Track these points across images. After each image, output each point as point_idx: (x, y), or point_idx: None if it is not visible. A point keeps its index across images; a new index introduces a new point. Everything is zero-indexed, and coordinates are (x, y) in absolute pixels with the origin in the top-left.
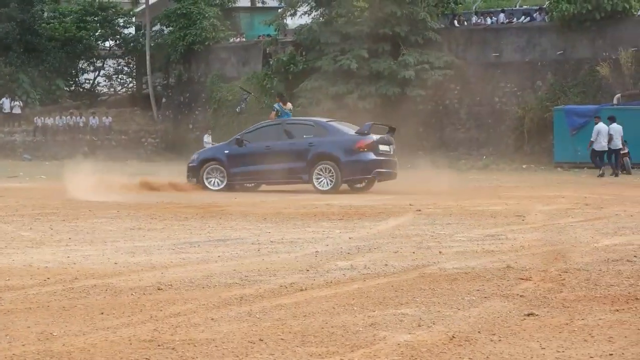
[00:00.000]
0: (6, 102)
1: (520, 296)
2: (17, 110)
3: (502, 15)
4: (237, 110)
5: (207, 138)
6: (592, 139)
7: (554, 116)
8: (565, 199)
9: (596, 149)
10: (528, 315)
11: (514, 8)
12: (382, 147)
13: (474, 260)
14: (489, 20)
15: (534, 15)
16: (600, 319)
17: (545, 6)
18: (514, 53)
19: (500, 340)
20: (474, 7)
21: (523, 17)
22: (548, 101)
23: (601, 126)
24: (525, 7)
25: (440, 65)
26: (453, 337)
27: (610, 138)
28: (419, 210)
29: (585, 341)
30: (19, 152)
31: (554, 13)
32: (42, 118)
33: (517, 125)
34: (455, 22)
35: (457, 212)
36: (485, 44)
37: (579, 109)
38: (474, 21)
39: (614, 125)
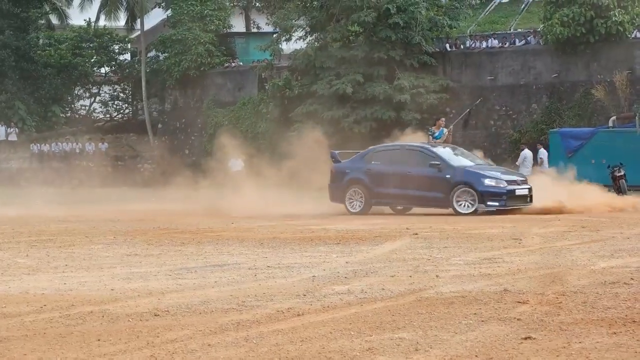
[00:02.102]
0: (1, 129)
1: (518, 319)
2: (13, 137)
3: (495, 41)
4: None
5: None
6: (517, 163)
7: (550, 139)
8: (561, 221)
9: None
10: (525, 338)
11: (508, 32)
12: None
13: (471, 284)
14: (483, 44)
15: (529, 38)
16: (597, 342)
17: (539, 29)
18: (509, 76)
19: None
20: (468, 31)
21: (520, 39)
22: (543, 124)
23: (527, 152)
24: (520, 30)
25: (435, 89)
26: None
27: (541, 162)
28: (416, 234)
29: None
30: (16, 179)
31: (548, 36)
32: (38, 145)
33: (512, 148)
34: (447, 46)
35: (453, 236)
36: (480, 67)
37: (575, 132)
38: (469, 45)
39: (542, 150)
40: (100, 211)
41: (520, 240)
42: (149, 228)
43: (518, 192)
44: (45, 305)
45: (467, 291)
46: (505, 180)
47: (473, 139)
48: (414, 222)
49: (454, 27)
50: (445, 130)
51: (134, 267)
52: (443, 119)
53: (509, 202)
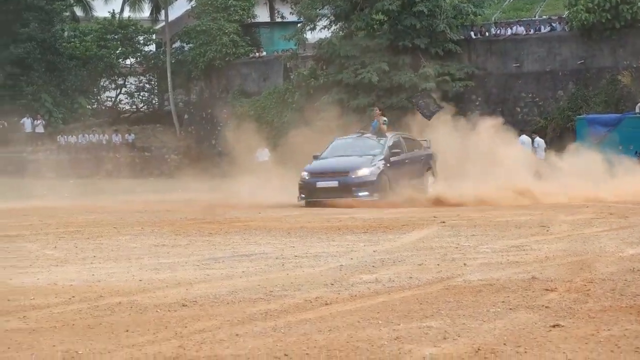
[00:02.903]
0: (27, 122)
1: (546, 307)
2: (40, 130)
3: (520, 28)
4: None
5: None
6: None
7: (577, 125)
8: (589, 208)
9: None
10: (554, 326)
11: (533, 18)
12: None
13: (499, 272)
14: (508, 31)
15: (554, 25)
16: (626, 330)
17: (565, 16)
18: (535, 63)
19: (526, 352)
20: (493, 18)
21: (545, 26)
22: (570, 111)
23: (523, 138)
24: (545, 16)
25: (460, 77)
26: (478, 349)
27: (534, 151)
28: (443, 222)
29: (612, 352)
30: (43, 170)
31: (573, 23)
32: (65, 136)
33: (539, 136)
34: (472, 33)
35: (481, 224)
36: (505, 54)
37: (602, 118)
38: (494, 32)
39: (538, 138)
40: (128, 202)
41: (548, 227)
42: (176, 219)
43: (319, 185)
44: (73, 297)
45: (495, 279)
46: (309, 172)
47: None
48: (442, 210)
49: (479, 15)
50: (378, 121)
51: (162, 258)
52: (377, 109)
53: (312, 195)
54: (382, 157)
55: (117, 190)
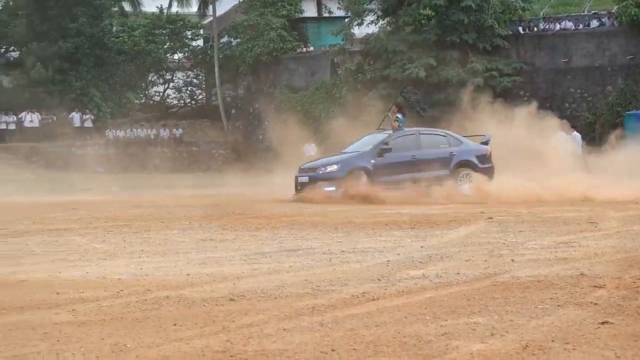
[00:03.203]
0: (77, 116)
1: (594, 304)
2: (88, 124)
3: (569, 23)
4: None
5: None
6: None
7: (625, 121)
8: (638, 204)
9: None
10: (602, 323)
11: (581, 13)
12: None
13: (547, 268)
14: (557, 26)
15: (603, 20)
16: None
17: (614, 11)
18: (584, 58)
19: (574, 348)
20: (541, 13)
21: (594, 21)
22: (619, 106)
23: (560, 134)
24: (594, 11)
25: (508, 72)
26: (526, 346)
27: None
28: (491, 218)
29: None
30: (91, 165)
31: (622, 17)
32: (113, 131)
33: (588, 131)
34: (520, 28)
35: (529, 220)
36: (554, 49)
37: None
38: (542, 27)
39: (575, 133)
40: (175, 197)
41: (597, 223)
42: (223, 213)
43: (299, 180)
44: (122, 290)
45: (543, 275)
46: (299, 169)
47: None
48: (489, 206)
49: (527, 10)
50: (390, 117)
51: (210, 252)
52: (393, 105)
53: (296, 189)
54: (370, 154)
55: (164, 185)
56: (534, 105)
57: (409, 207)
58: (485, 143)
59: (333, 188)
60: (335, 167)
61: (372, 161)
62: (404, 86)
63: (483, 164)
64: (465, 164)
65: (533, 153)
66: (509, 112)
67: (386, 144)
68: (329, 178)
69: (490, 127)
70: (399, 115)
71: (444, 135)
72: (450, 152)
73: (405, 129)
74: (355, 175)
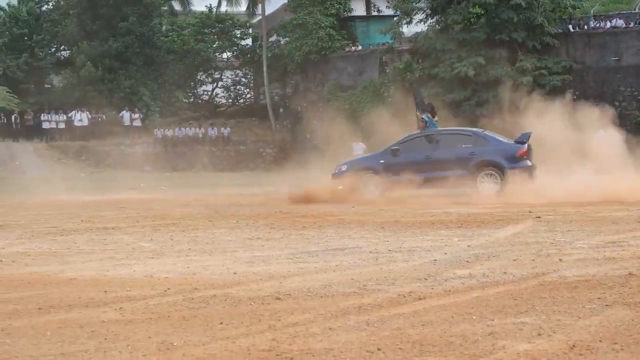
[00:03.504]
0: (126, 115)
1: None
2: (137, 123)
3: (620, 21)
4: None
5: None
6: None
7: None
8: None
9: None
10: None
11: (632, 11)
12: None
13: (595, 268)
14: (607, 24)
15: None
16: None
17: None
18: (634, 56)
19: (622, 349)
20: (592, 11)
21: None
22: None
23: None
24: None
25: (558, 71)
26: (574, 346)
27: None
28: (539, 217)
29: None
30: (140, 163)
31: None
32: (162, 130)
33: (639, 130)
34: (570, 27)
35: (577, 219)
36: (604, 48)
37: None
38: (592, 25)
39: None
40: (223, 195)
41: None
42: (271, 212)
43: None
44: (169, 289)
45: (591, 275)
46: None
47: None
48: (537, 205)
49: (578, 8)
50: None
51: (256, 251)
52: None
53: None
54: (381, 154)
55: (212, 184)
56: (582, 103)
57: (457, 207)
58: (521, 142)
59: (341, 186)
60: (345, 167)
61: (382, 161)
62: (419, 87)
63: (512, 164)
64: (488, 164)
65: (578, 151)
66: (557, 110)
67: (400, 144)
68: (340, 176)
69: (536, 126)
70: (424, 117)
71: (468, 135)
72: (471, 151)
73: (430, 129)
74: (360, 175)
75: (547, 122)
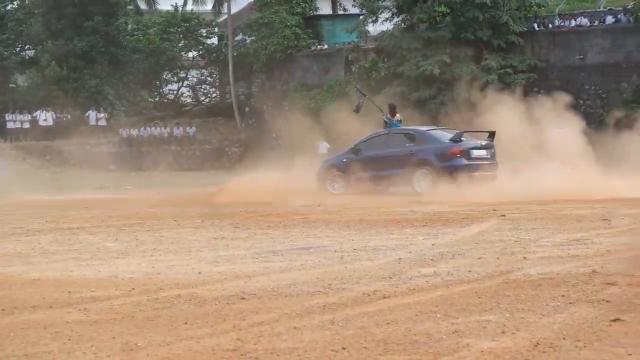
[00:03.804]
0: (92, 115)
1: (606, 301)
2: (102, 122)
3: (584, 20)
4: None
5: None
6: None
7: None
8: None
9: None
10: (614, 320)
11: (597, 10)
12: (476, 152)
13: (559, 266)
14: (572, 23)
15: (619, 16)
16: None
17: (630, 7)
18: (599, 55)
19: (585, 346)
20: (557, 10)
21: (610, 17)
22: (634, 103)
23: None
24: (609, 8)
25: (523, 69)
26: (537, 343)
27: None
28: (503, 216)
29: None
30: (105, 163)
31: (638, 14)
32: (127, 129)
33: (602, 127)
34: (535, 25)
35: (541, 217)
36: (569, 46)
37: None
38: (557, 24)
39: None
40: (188, 195)
41: (610, 221)
42: (236, 211)
43: None
44: (133, 289)
45: (555, 273)
46: None
47: None
48: (502, 203)
49: (543, 6)
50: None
51: (221, 251)
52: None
53: None
54: (346, 153)
55: (177, 183)
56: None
57: (422, 205)
58: (455, 140)
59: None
60: (325, 164)
61: (344, 160)
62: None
63: (441, 162)
64: (423, 163)
65: (537, 148)
66: (520, 108)
67: (362, 142)
68: (322, 172)
69: (499, 124)
70: (384, 117)
71: (412, 135)
72: (410, 151)
73: (385, 129)
74: (327, 172)
75: (509, 119)
